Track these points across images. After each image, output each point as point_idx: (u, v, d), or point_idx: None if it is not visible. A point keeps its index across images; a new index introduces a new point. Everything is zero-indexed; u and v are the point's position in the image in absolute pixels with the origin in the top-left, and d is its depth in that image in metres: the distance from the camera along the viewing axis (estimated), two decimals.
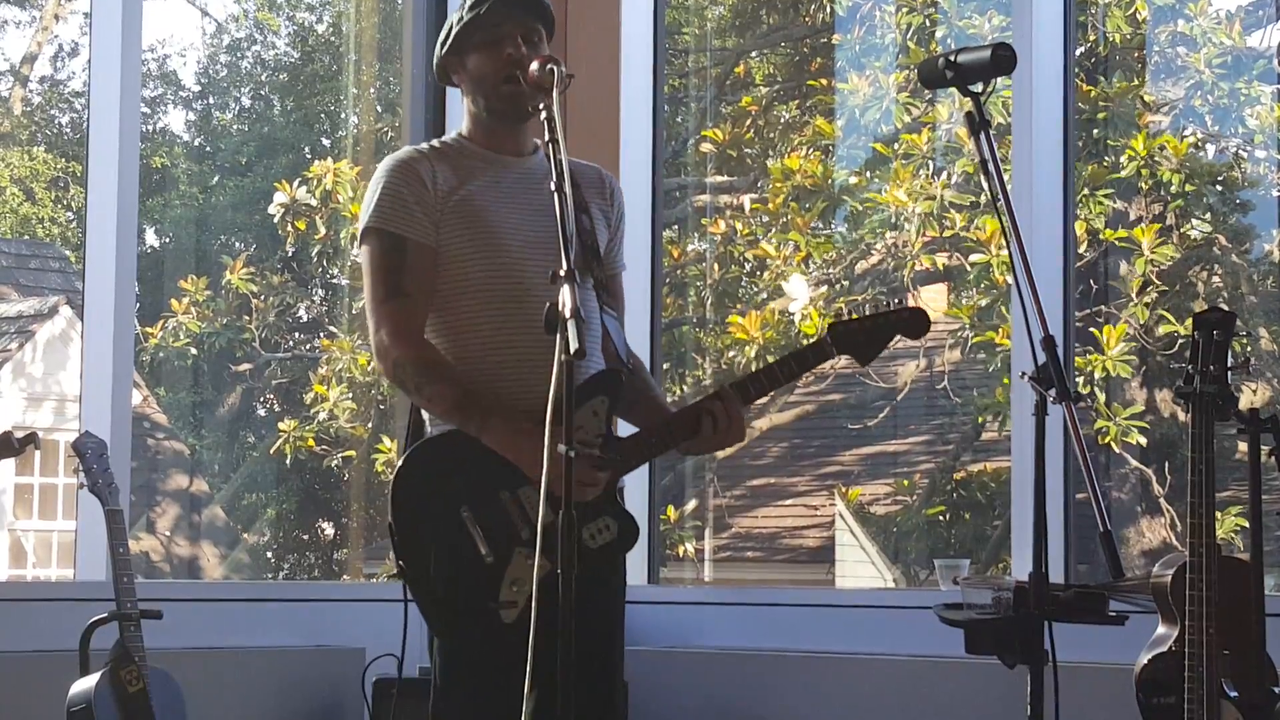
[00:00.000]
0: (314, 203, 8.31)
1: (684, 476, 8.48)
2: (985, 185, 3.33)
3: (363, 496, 9.15)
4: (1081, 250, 7.24)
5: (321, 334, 9.33)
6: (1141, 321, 7.27)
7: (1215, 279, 7.65)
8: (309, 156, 9.63)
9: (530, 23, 3.59)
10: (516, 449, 3.34)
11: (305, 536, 10.06)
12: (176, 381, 9.49)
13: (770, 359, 7.69)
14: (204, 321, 8.69)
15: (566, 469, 2.87)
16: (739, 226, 8.36)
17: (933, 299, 7.68)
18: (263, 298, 8.77)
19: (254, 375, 9.17)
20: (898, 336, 3.60)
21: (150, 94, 10.43)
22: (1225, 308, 3.45)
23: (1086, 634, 3.39)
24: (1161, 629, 3.52)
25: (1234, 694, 3.38)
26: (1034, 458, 3.22)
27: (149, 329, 8.62)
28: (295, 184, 8.37)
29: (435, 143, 3.71)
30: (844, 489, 8.70)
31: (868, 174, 8.11)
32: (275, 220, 8.47)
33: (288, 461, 8.66)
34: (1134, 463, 7.51)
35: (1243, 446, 3.60)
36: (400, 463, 3.48)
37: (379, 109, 9.40)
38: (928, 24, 8.06)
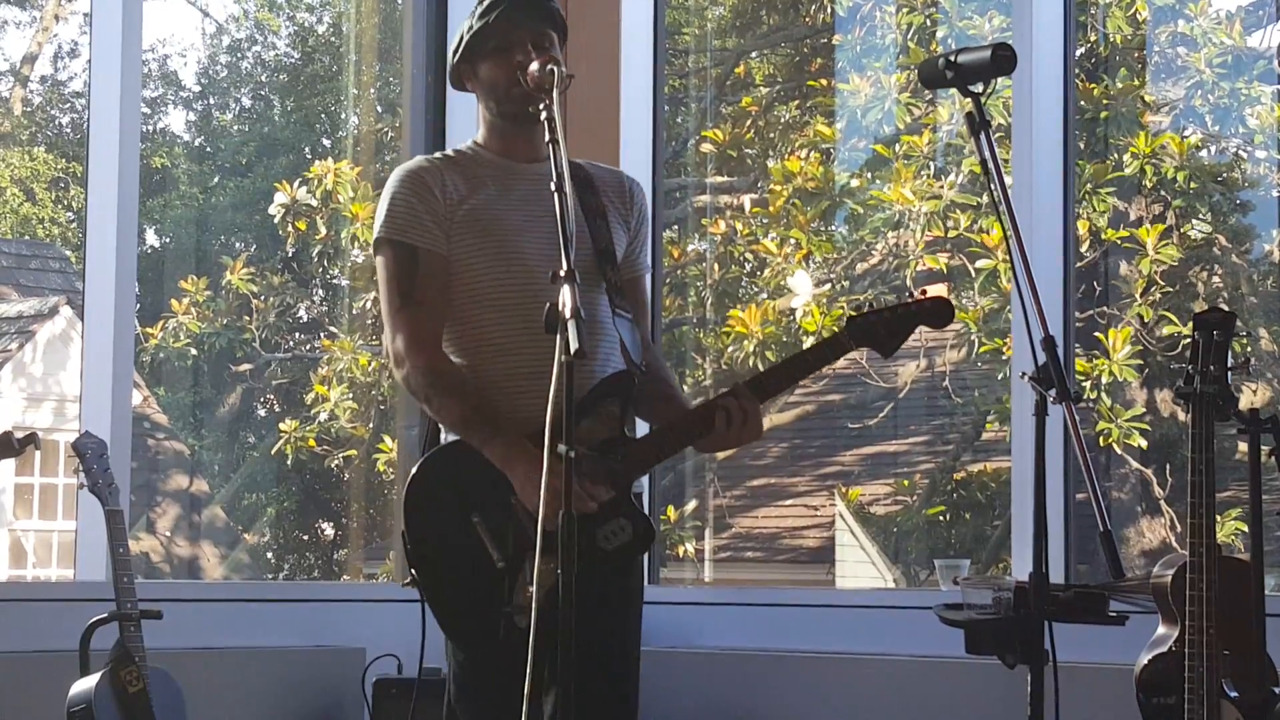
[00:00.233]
0: (314, 203, 8.31)
1: (684, 477, 8.48)
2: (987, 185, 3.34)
3: (363, 497, 9.15)
4: (1083, 250, 7.24)
5: (322, 334, 9.33)
6: (1146, 321, 7.27)
7: (1215, 279, 7.65)
8: (309, 157, 9.64)
9: (541, 28, 3.59)
10: (512, 470, 3.35)
11: (305, 537, 10.06)
12: (177, 382, 9.49)
13: (769, 354, 7.70)
14: (204, 322, 8.69)
15: (566, 469, 2.87)
16: (739, 227, 8.36)
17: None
18: (263, 298, 8.77)
19: (254, 375, 9.17)
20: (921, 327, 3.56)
21: (150, 94, 10.44)
22: (1225, 308, 3.45)
23: (1087, 634, 3.39)
24: (1162, 629, 3.53)
25: (1234, 694, 3.38)
26: (1034, 458, 3.22)
27: (149, 329, 8.62)
28: (295, 184, 8.37)
29: (450, 151, 3.71)
30: (844, 489, 8.70)
31: (868, 174, 8.11)
32: (275, 220, 8.47)
33: (288, 462, 8.66)
34: (1134, 463, 7.51)
35: (1243, 447, 3.61)
36: (413, 470, 3.48)
37: (379, 109, 9.40)
38: (928, 24, 8.06)
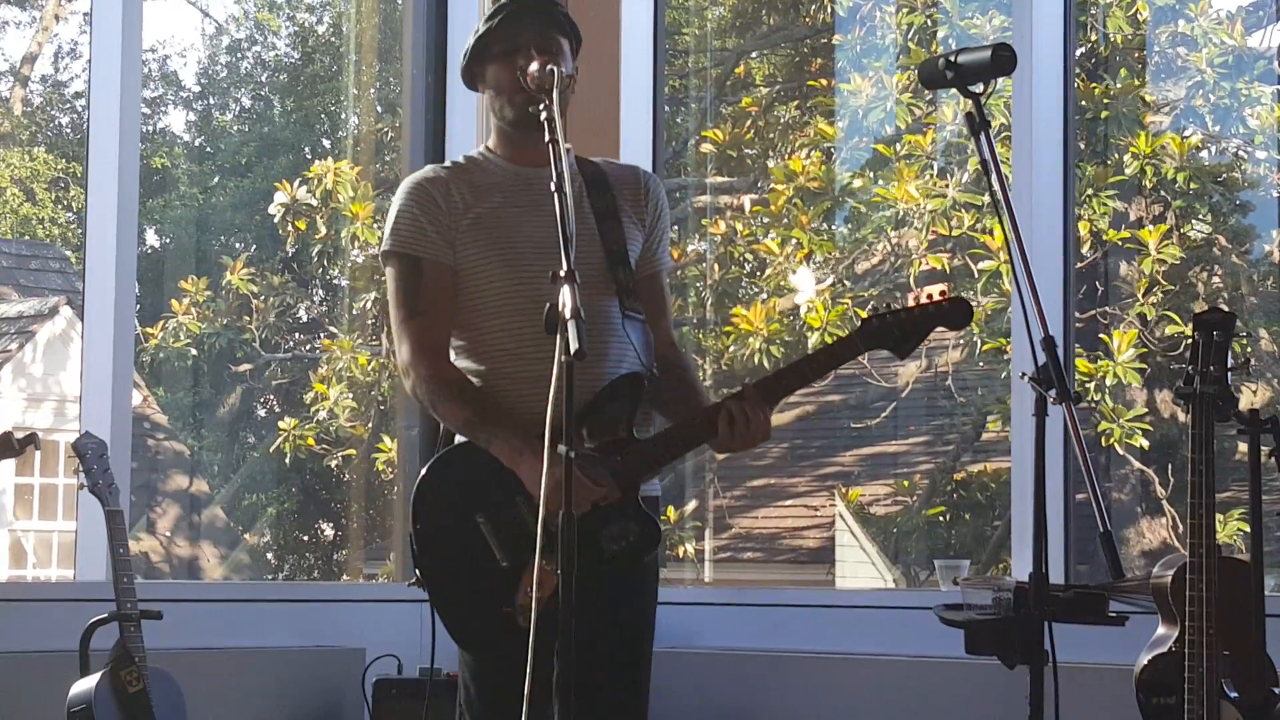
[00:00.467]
0: (314, 202, 8.31)
1: (684, 477, 8.48)
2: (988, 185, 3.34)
3: (363, 497, 9.15)
4: (1084, 251, 7.24)
5: (322, 334, 9.33)
6: (1146, 321, 7.27)
7: (1215, 279, 7.65)
8: (309, 157, 9.63)
9: (545, 32, 3.58)
10: (519, 465, 3.35)
11: (305, 537, 10.06)
12: (176, 382, 9.49)
13: (774, 350, 7.70)
14: (204, 322, 8.69)
15: (567, 469, 2.87)
16: (739, 227, 8.36)
17: None
18: (263, 298, 8.77)
19: (254, 376, 9.17)
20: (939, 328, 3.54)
21: (150, 94, 10.44)
22: (1225, 308, 3.45)
23: (1087, 634, 3.39)
24: (1161, 629, 3.52)
25: (1234, 694, 3.38)
26: (1034, 458, 3.22)
27: (149, 329, 8.62)
28: (295, 184, 8.37)
29: (461, 158, 3.72)
30: (844, 489, 8.70)
31: (870, 174, 8.11)
32: (275, 220, 8.47)
33: (287, 460, 8.66)
34: (1135, 463, 7.51)
35: (1243, 447, 3.61)
36: (423, 473, 3.49)
37: (379, 109, 9.40)
38: (929, 24, 8.06)
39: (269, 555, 9.93)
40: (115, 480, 4.48)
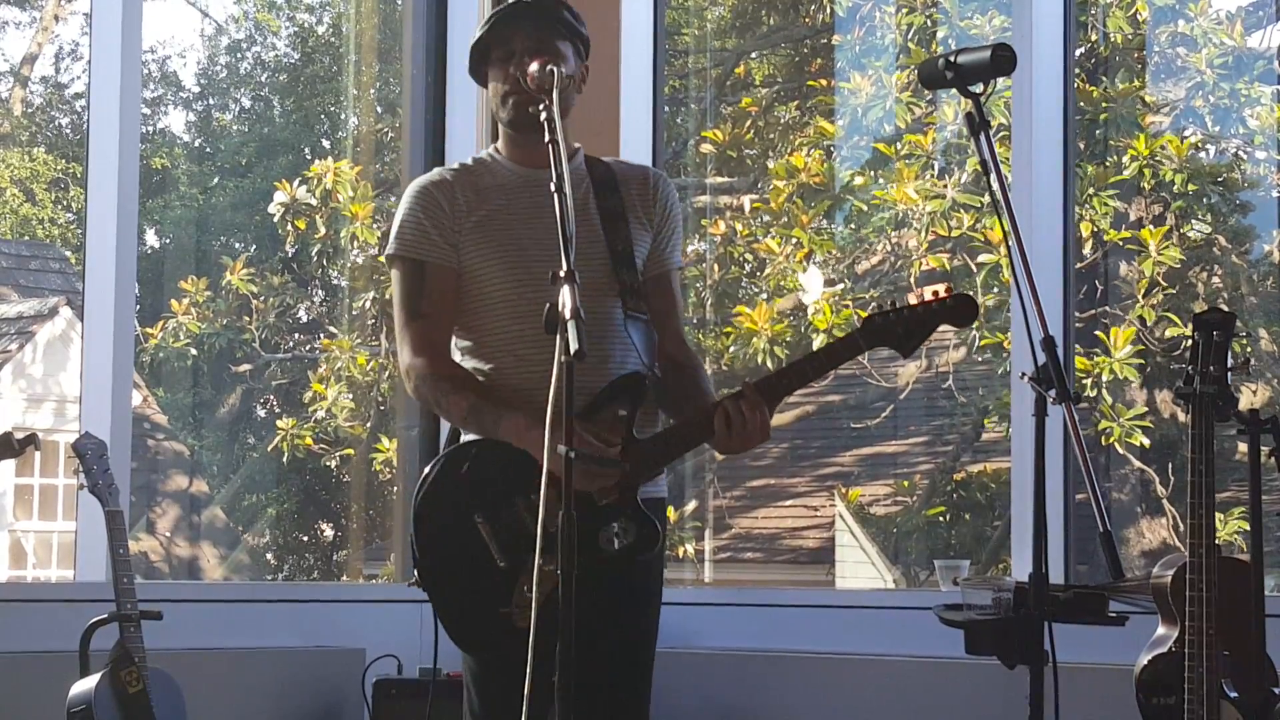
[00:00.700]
0: (314, 202, 8.31)
1: (684, 477, 8.48)
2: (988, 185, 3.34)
3: (362, 497, 9.15)
4: (1084, 251, 7.24)
5: (321, 334, 9.33)
6: (1146, 322, 7.27)
7: (1215, 280, 7.65)
8: (309, 157, 9.63)
9: (541, 34, 3.57)
10: (528, 442, 3.34)
11: (305, 537, 10.06)
12: (176, 382, 9.49)
13: (779, 351, 7.69)
14: (204, 322, 8.69)
15: (566, 469, 2.87)
16: (739, 227, 8.36)
17: None
18: (263, 298, 8.77)
19: (254, 376, 9.17)
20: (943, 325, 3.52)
21: (150, 95, 10.45)
22: (1225, 308, 3.45)
23: (1086, 634, 3.39)
24: (1161, 629, 3.52)
25: (1234, 694, 3.38)
26: (1034, 458, 3.22)
27: (149, 330, 8.62)
28: (295, 184, 8.37)
29: (469, 160, 3.72)
30: (844, 490, 8.70)
31: (870, 173, 8.11)
32: (275, 219, 8.47)
33: (285, 460, 8.66)
34: (1135, 463, 7.51)
35: (1243, 447, 3.61)
36: (426, 472, 3.49)
37: (379, 110, 9.40)
38: (928, 24, 8.06)
39: (269, 555, 9.93)
40: (115, 481, 4.47)
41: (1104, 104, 7.43)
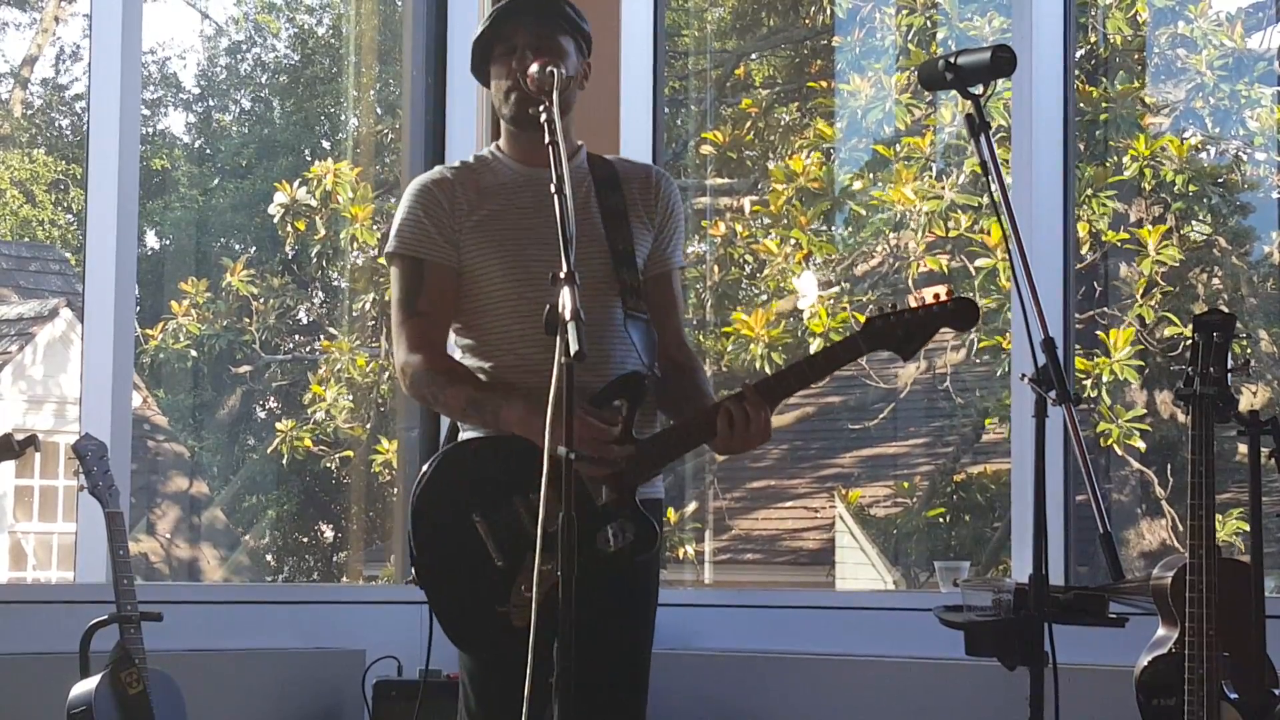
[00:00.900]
0: (314, 203, 8.31)
1: (684, 479, 8.48)
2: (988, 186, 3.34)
3: (362, 499, 9.15)
4: (1084, 252, 7.23)
5: (321, 336, 9.33)
6: (1146, 322, 7.27)
7: (1215, 281, 7.65)
8: (309, 159, 9.64)
9: (542, 31, 3.57)
10: (533, 429, 3.29)
11: (305, 539, 10.06)
12: (176, 383, 9.49)
13: (776, 356, 7.70)
14: (204, 324, 8.69)
15: (567, 470, 2.87)
16: (739, 229, 8.36)
17: None
18: (263, 300, 8.77)
19: (254, 377, 9.17)
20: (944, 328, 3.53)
21: (150, 96, 10.44)
22: (1225, 310, 3.45)
23: (1087, 636, 3.39)
24: (1162, 631, 3.53)
25: (1234, 696, 3.38)
26: (1034, 460, 3.22)
27: (149, 331, 8.62)
28: (295, 185, 8.37)
29: (471, 158, 3.71)
30: (844, 491, 8.70)
31: (869, 175, 8.11)
32: (275, 220, 8.47)
33: (285, 462, 8.66)
34: (1135, 464, 7.51)
35: (1243, 448, 3.61)
36: (423, 471, 3.48)
37: (379, 111, 9.40)
38: (928, 26, 8.06)
39: (269, 557, 9.93)
40: (115, 482, 4.48)
41: (1104, 105, 7.43)
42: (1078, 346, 6.79)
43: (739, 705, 5.10)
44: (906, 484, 8.53)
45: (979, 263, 7.32)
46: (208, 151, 10.74)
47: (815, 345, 7.54)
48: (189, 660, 4.71)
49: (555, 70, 3.37)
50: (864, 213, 8.05)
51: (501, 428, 3.42)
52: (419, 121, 5.97)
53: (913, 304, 3.43)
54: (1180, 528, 7.38)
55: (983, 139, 3.31)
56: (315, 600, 5.81)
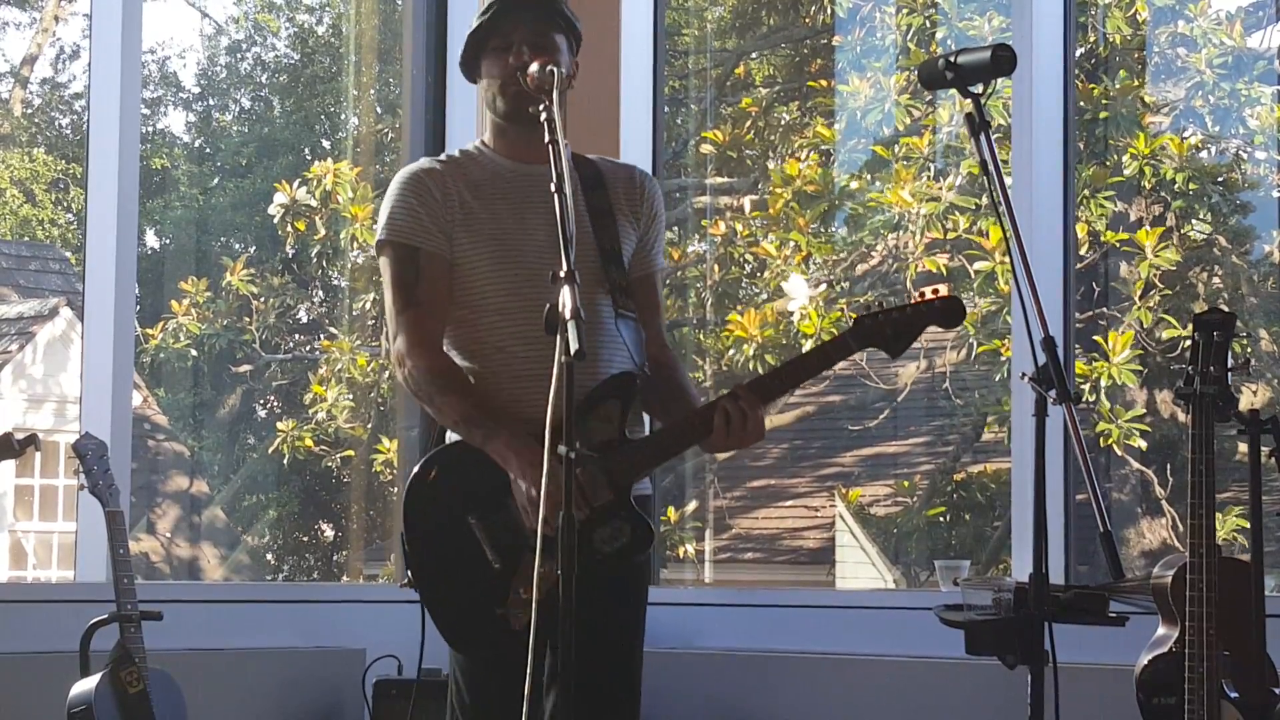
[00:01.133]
0: (314, 203, 8.31)
1: (684, 478, 8.48)
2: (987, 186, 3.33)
3: (362, 498, 9.15)
4: (1083, 252, 7.23)
5: (321, 335, 9.33)
6: (1145, 325, 7.27)
7: (1215, 280, 7.65)
8: (309, 158, 9.64)
9: (541, 28, 3.57)
10: (510, 465, 3.34)
11: (305, 538, 10.06)
12: (177, 383, 9.49)
13: (769, 358, 7.70)
14: (204, 323, 8.69)
15: (566, 469, 2.87)
16: (739, 228, 8.36)
17: None
18: (263, 299, 8.78)
19: (254, 376, 9.18)
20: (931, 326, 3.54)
21: (150, 95, 10.44)
22: (1225, 309, 3.45)
23: (1087, 635, 3.39)
24: (1162, 630, 3.53)
25: (1234, 695, 3.38)
26: (1034, 459, 3.22)
27: (149, 330, 8.63)
28: (295, 184, 8.37)
29: (456, 152, 3.70)
30: (844, 490, 8.70)
31: (868, 176, 8.11)
32: (275, 221, 8.47)
33: (286, 461, 8.66)
34: (1135, 464, 7.51)
35: (1243, 447, 3.61)
36: (414, 471, 3.48)
37: (379, 110, 9.40)
38: (928, 25, 8.06)
39: (269, 556, 9.93)
40: (115, 481, 4.47)
41: (1104, 104, 7.43)
42: (1077, 347, 6.79)
43: (739, 705, 5.10)
44: (907, 483, 8.53)
45: (978, 266, 7.32)
46: (208, 151, 10.74)
47: (808, 348, 7.54)
48: (189, 659, 4.71)
49: (555, 70, 3.37)
50: (862, 211, 8.05)
51: (487, 452, 3.41)
52: (419, 121, 5.97)
53: (899, 302, 3.46)
54: (1180, 527, 7.38)
55: (983, 138, 3.31)
56: (315, 599, 5.81)
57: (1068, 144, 5.11)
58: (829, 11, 8.91)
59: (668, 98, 7.49)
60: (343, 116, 10.14)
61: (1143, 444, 7.18)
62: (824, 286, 8.17)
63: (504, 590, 3.35)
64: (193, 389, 9.55)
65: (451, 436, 3.53)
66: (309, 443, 8.44)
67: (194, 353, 8.81)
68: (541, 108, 3.29)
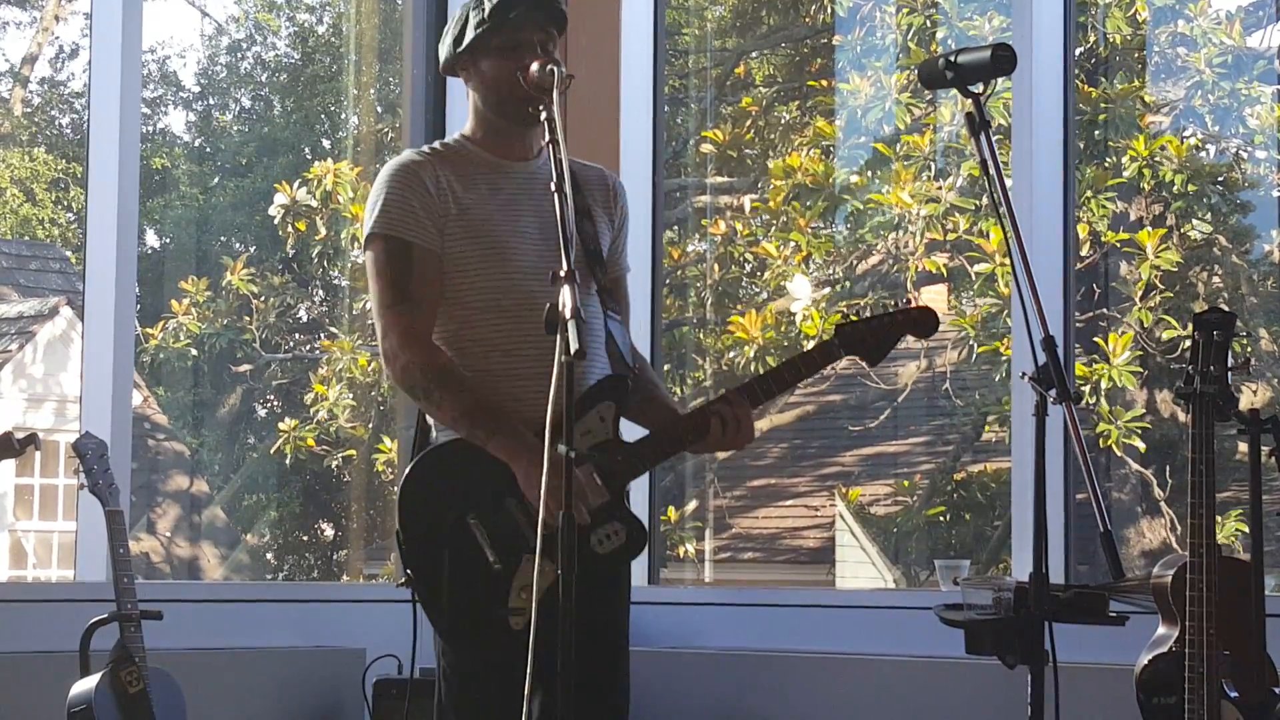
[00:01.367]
0: (314, 203, 8.31)
1: (684, 477, 8.48)
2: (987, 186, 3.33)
3: (363, 497, 9.15)
4: (1084, 252, 7.23)
5: (322, 335, 9.34)
6: (1145, 325, 7.27)
7: (1215, 280, 7.65)
8: (309, 157, 9.64)
9: (549, 29, 3.58)
10: (516, 462, 3.34)
11: (305, 537, 10.07)
12: (177, 382, 9.50)
13: (770, 359, 7.70)
14: (204, 322, 8.69)
15: (566, 468, 2.87)
16: (739, 227, 8.36)
17: (933, 300, 7.67)
18: (263, 298, 8.78)
19: (254, 376, 9.18)
20: (907, 336, 3.60)
21: (150, 95, 10.44)
22: (1225, 308, 3.45)
23: (1087, 634, 3.39)
24: (1162, 629, 3.53)
25: (1234, 694, 3.38)
26: (1034, 458, 3.22)
27: (149, 330, 8.63)
28: (295, 185, 8.37)
29: (439, 144, 3.67)
30: (844, 490, 8.70)
31: (869, 174, 8.11)
32: (275, 221, 8.47)
33: (287, 461, 8.66)
34: (1134, 464, 7.51)
35: (1243, 447, 3.61)
36: (407, 471, 3.48)
37: (379, 110, 9.40)
38: (928, 25, 8.06)
39: (269, 555, 9.93)
40: (115, 480, 4.47)
41: (1103, 104, 7.43)
42: (1078, 348, 6.79)
43: (739, 704, 5.10)
44: (907, 482, 8.53)
45: (978, 268, 7.32)
46: (208, 150, 10.75)
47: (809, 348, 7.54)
48: (189, 659, 4.71)
49: (555, 69, 3.38)
50: (863, 208, 8.05)
51: (489, 449, 3.40)
52: (419, 120, 5.97)
53: (878, 311, 3.54)
54: (1180, 527, 7.38)
55: (983, 137, 3.31)
56: (316, 599, 5.81)
57: (1068, 144, 5.11)
58: (829, 11, 8.91)
59: (668, 97, 7.49)
60: (343, 116, 10.15)
61: (1142, 444, 7.18)
62: (825, 288, 8.17)
63: (504, 590, 3.35)
64: (193, 388, 9.55)
65: (437, 435, 3.51)
66: (311, 442, 8.44)
67: (194, 352, 8.81)
68: (541, 107, 3.29)
